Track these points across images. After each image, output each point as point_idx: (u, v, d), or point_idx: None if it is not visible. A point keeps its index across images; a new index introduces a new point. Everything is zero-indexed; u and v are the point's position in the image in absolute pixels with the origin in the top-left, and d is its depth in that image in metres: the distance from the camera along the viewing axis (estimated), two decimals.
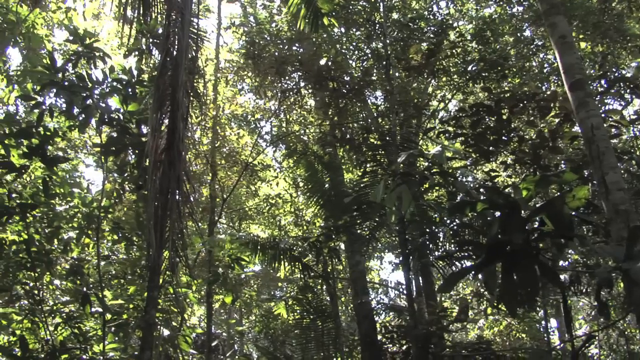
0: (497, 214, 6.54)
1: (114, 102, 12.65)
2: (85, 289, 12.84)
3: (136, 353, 13.81)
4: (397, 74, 19.16)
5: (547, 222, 6.32)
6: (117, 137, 12.60)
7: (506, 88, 18.80)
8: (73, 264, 13.39)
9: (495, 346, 18.32)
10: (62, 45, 21.57)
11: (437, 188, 16.04)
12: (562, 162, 14.06)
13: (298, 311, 19.48)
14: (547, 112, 13.45)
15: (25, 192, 12.90)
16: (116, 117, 12.64)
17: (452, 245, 15.36)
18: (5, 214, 12.11)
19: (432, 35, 19.30)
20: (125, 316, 13.68)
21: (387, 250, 27.69)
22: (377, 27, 19.59)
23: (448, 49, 18.24)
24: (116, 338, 13.70)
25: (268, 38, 21.87)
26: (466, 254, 13.50)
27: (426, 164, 14.44)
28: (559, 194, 8.57)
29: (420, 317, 16.15)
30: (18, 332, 13.80)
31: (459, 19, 24.41)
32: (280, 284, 29.71)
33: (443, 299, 26.71)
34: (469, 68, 19.69)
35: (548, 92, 15.35)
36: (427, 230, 15.14)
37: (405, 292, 16.10)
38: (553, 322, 29.81)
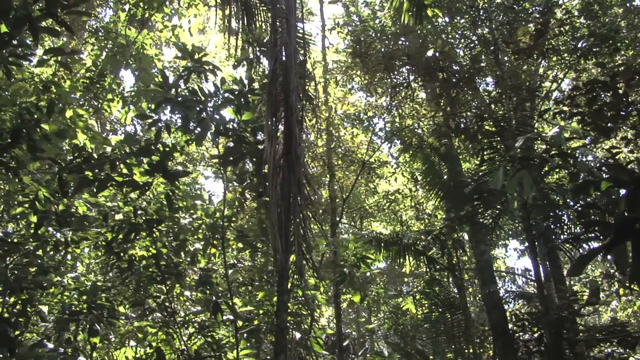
0: (623, 191, 6.38)
1: (228, 112, 12.79)
2: (215, 298, 13.02)
3: (269, 358, 13.98)
4: (506, 58, 18.87)
5: None
6: (234, 147, 12.74)
7: (620, 61, 18.25)
8: (202, 275, 13.60)
9: (631, 328, 17.83)
10: (172, 62, 22.04)
11: (557, 170, 15.73)
12: None
13: (426, 305, 19.40)
14: None
15: (150, 208, 13.18)
16: (231, 127, 12.78)
17: (578, 227, 15.03)
18: (133, 230, 12.42)
19: (538, 15, 18.92)
20: (256, 322, 13.84)
21: (511, 238, 27.26)
22: (481, 13, 19.37)
23: (556, 27, 17.89)
24: (248, 344, 13.87)
25: (373, 35, 21.88)
26: (593, 235, 13.22)
27: (544, 146, 14.14)
28: None
29: (551, 303, 15.84)
30: (154, 344, 14.14)
31: None
32: (406, 280, 29.62)
33: (572, 282, 26.22)
34: (579, 45, 19.21)
35: None
36: (551, 213, 14.88)
37: (533, 278, 15.84)
38: None
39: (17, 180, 11.40)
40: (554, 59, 20.06)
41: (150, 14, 20.45)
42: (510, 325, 16.67)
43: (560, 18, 18.97)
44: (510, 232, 22.49)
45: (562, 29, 18.24)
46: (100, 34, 20.35)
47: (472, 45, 20.80)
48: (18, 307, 11.58)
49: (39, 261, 12.06)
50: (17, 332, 11.27)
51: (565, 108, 14.17)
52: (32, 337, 12.80)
